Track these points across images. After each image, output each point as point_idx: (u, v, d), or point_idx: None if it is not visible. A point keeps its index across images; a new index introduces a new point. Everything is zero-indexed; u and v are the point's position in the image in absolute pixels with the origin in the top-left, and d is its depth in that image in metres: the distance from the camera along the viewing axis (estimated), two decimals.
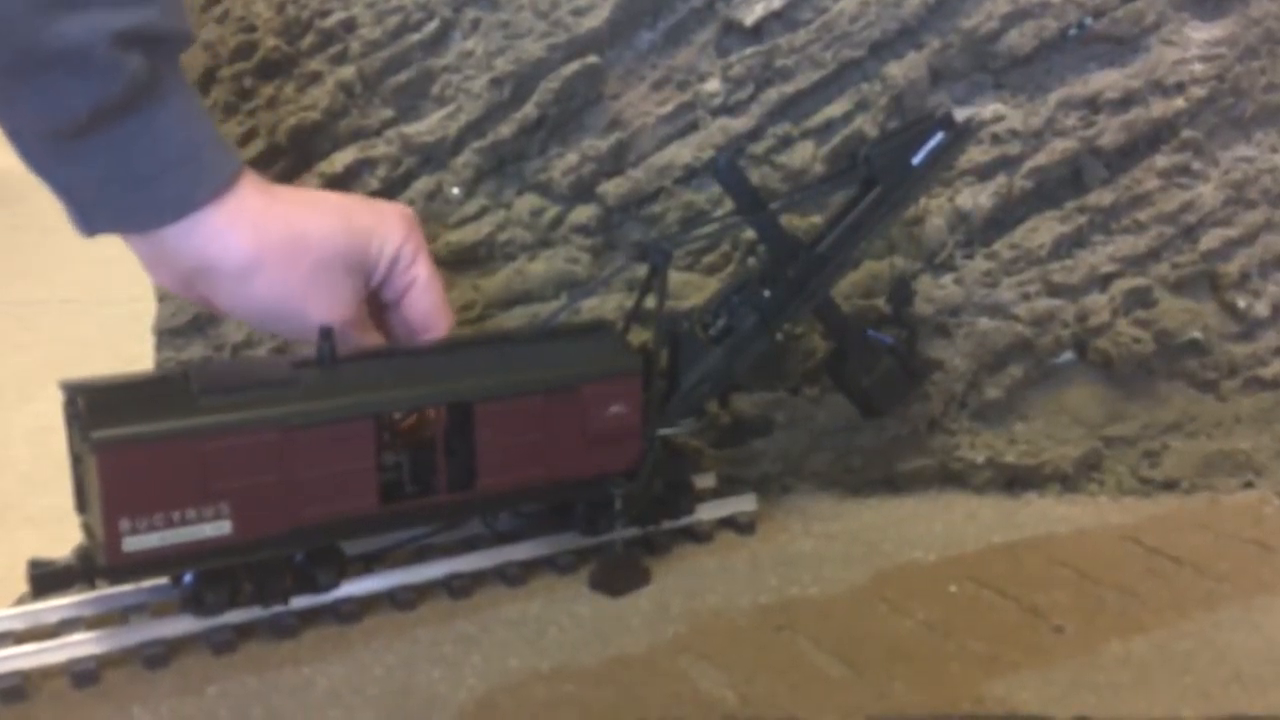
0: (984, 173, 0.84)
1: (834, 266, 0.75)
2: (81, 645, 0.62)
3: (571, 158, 0.81)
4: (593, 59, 0.79)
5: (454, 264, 0.82)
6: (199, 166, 0.65)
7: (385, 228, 0.71)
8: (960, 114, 0.78)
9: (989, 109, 0.83)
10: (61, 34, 0.58)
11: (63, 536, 0.66)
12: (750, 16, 0.80)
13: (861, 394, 0.79)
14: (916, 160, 0.74)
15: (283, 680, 0.62)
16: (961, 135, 0.75)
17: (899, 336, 0.79)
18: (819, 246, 0.74)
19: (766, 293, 0.74)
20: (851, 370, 0.78)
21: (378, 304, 0.73)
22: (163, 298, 0.85)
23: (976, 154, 0.83)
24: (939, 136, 0.74)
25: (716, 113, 0.81)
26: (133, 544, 0.59)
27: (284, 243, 0.67)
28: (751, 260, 0.82)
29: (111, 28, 0.59)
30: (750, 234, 0.81)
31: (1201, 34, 0.84)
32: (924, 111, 0.81)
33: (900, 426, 0.84)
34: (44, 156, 0.63)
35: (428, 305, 0.73)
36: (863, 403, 0.79)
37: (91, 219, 0.65)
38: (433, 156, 0.82)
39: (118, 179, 0.63)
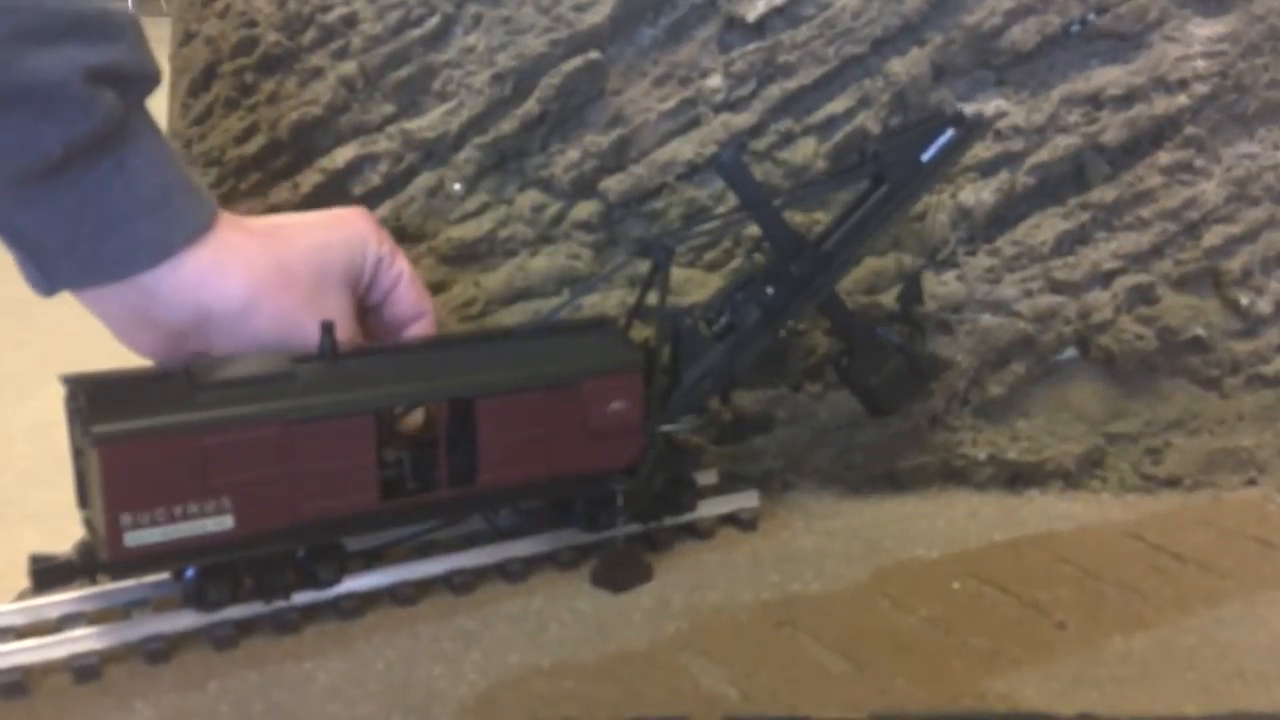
0: (986, 169, 0.83)
1: (839, 264, 0.74)
2: (83, 640, 0.62)
3: (573, 154, 0.81)
4: (594, 55, 0.79)
5: (455, 260, 0.82)
6: (173, 209, 0.63)
7: (360, 233, 0.70)
8: (970, 110, 0.78)
9: (991, 105, 0.83)
10: (33, 69, 0.56)
11: (64, 532, 0.66)
12: (752, 12, 0.80)
13: (869, 393, 0.78)
14: (926, 157, 0.73)
15: (284, 675, 0.62)
16: (972, 132, 0.75)
17: (905, 334, 0.79)
18: (825, 244, 0.74)
19: (770, 290, 0.73)
20: (859, 369, 0.78)
21: (361, 308, 0.73)
22: None
23: (979, 150, 0.83)
24: (949, 133, 0.74)
25: (718, 109, 0.81)
26: (134, 539, 0.59)
27: (275, 274, 0.66)
28: (757, 256, 0.82)
29: (84, 63, 0.58)
30: (753, 230, 0.81)
31: (1204, 30, 0.84)
32: (933, 109, 0.81)
33: (902, 423, 0.84)
34: (6, 204, 0.60)
35: (415, 295, 0.73)
36: (870, 401, 0.79)
37: (54, 273, 0.62)
38: (434, 152, 0.82)
39: (88, 223, 0.61)
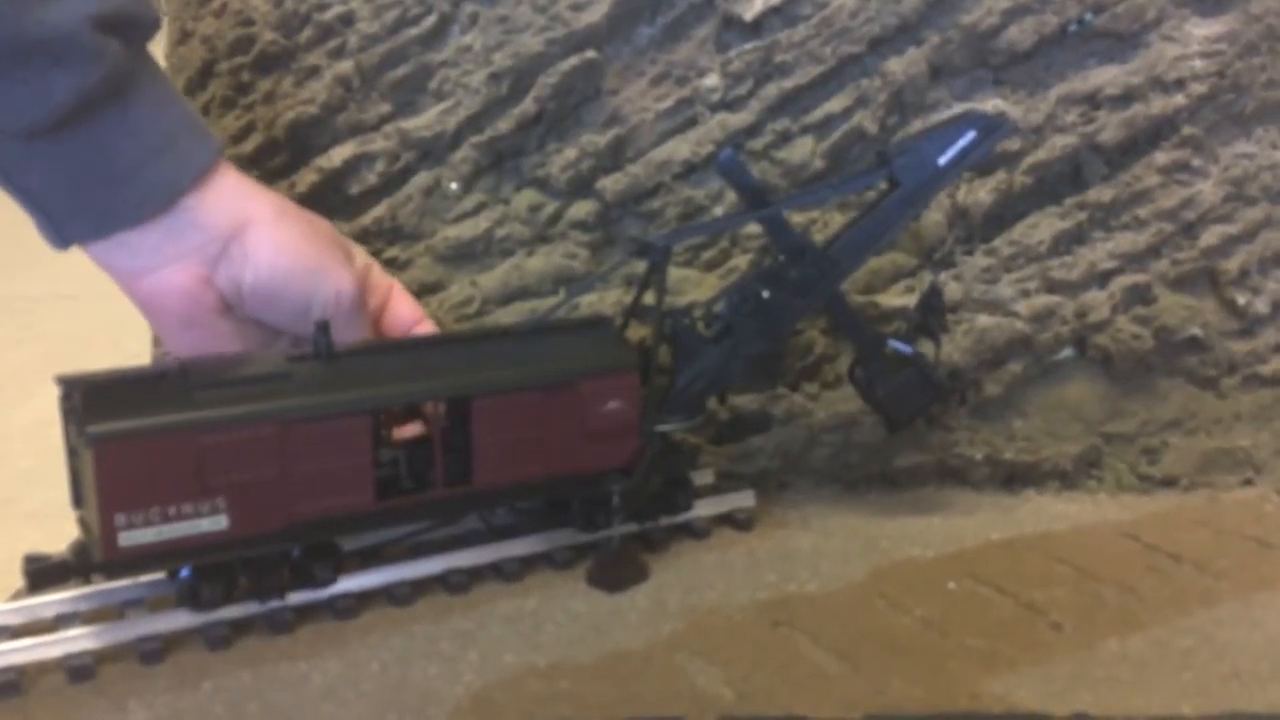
0: (984, 169, 0.83)
1: (841, 269, 0.74)
2: (77, 640, 0.62)
3: (570, 153, 0.81)
4: (591, 54, 0.79)
5: (452, 259, 0.82)
6: (180, 150, 0.64)
7: (348, 242, 0.74)
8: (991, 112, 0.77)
9: (989, 105, 0.83)
10: (42, 21, 0.57)
11: (63, 531, 0.66)
12: (750, 12, 0.80)
13: (876, 403, 0.78)
14: (943, 160, 0.72)
15: (279, 675, 0.62)
16: (994, 134, 0.73)
17: (920, 344, 0.77)
18: (830, 248, 0.73)
19: (765, 293, 0.73)
20: (867, 378, 0.77)
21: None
22: None
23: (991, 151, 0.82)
24: (969, 136, 0.72)
25: (715, 108, 0.81)
26: (129, 539, 0.59)
27: (297, 211, 0.69)
28: (767, 261, 0.82)
29: (90, 11, 0.58)
30: (751, 230, 0.81)
31: (1202, 30, 0.84)
32: (945, 109, 0.80)
33: None
34: (16, 159, 0.61)
35: (411, 302, 0.75)
36: (879, 412, 0.79)
37: (69, 225, 0.63)
38: (431, 152, 0.82)
39: (98, 174, 0.62)
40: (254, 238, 0.66)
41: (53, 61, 0.58)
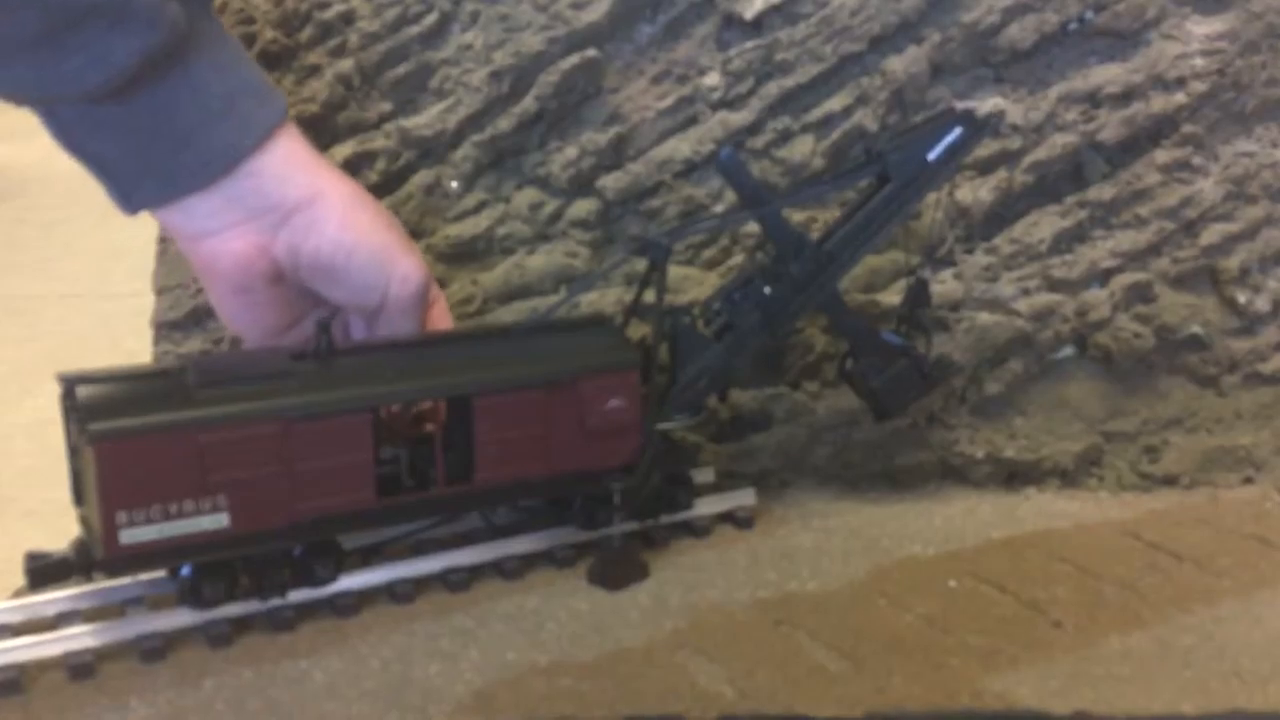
0: (984, 167, 0.83)
1: (840, 264, 0.74)
2: (78, 638, 0.62)
3: (570, 151, 0.81)
4: (592, 53, 0.79)
5: (453, 258, 0.82)
6: (241, 113, 0.64)
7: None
8: (983, 110, 0.77)
9: (989, 103, 0.83)
10: None
11: (62, 530, 0.66)
12: (750, 10, 0.80)
13: (870, 395, 0.78)
14: (932, 156, 0.73)
15: (280, 673, 0.62)
16: (980, 131, 0.74)
17: (910, 337, 0.78)
18: (826, 243, 0.74)
19: (767, 289, 0.73)
20: (861, 371, 0.77)
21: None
22: (162, 291, 0.85)
23: (977, 148, 0.82)
24: (956, 132, 0.73)
25: (716, 107, 0.81)
26: (130, 536, 0.59)
27: (365, 194, 0.68)
28: (760, 256, 0.82)
29: None
30: (751, 228, 0.81)
31: (1202, 28, 0.84)
32: (941, 107, 0.80)
33: (900, 421, 0.83)
34: (80, 128, 0.61)
35: (449, 320, 0.75)
36: (872, 404, 0.79)
37: (136, 191, 0.63)
38: (431, 150, 0.82)
39: (163, 137, 0.62)
40: (323, 211, 0.66)
41: (110, 25, 0.57)
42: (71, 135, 0.62)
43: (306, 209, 0.66)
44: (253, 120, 0.64)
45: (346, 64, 0.80)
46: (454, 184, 0.82)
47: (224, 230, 0.66)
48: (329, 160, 0.70)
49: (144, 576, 0.66)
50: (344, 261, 0.67)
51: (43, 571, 0.63)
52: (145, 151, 0.62)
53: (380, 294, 0.68)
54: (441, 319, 0.74)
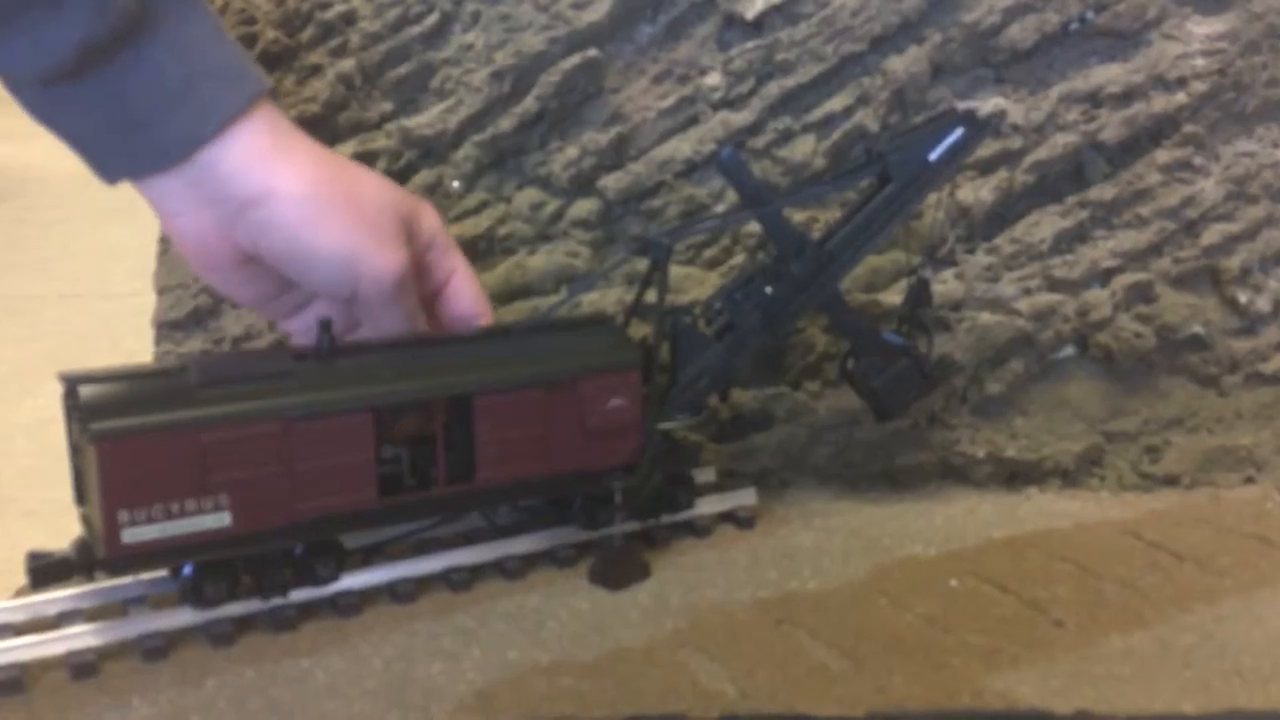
0: (985, 167, 0.83)
1: (840, 264, 0.74)
2: (80, 637, 0.62)
3: (572, 151, 0.81)
4: (593, 52, 0.79)
5: None
6: (201, 98, 0.62)
7: (425, 206, 0.70)
8: (982, 110, 0.77)
9: (990, 103, 0.83)
10: None
11: (63, 529, 0.66)
12: (751, 10, 0.80)
13: (871, 395, 0.78)
14: (933, 156, 0.73)
15: (281, 673, 0.62)
16: (981, 131, 0.74)
17: (911, 337, 0.78)
18: (827, 243, 0.74)
19: (768, 289, 0.73)
20: (862, 371, 0.77)
21: (424, 301, 0.71)
22: (162, 291, 0.85)
23: (977, 148, 0.82)
24: (958, 133, 0.73)
25: (717, 106, 0.81)
26: (131, 536, 0.59)
27: (338, 178, 0.65)
28: (761, 256, 0.82)
29: None
30: (752, 228, 0.81)
31: (1203, 28, 0.84)
32: (943, 108, 0.80)
33: (901, 421, 0.83)
34: (44, 105, 0.60)
35: (474, 292, 0.72)
36: (873, 404, 0.79)
37: (106, 167, 0.63)
38: (433, 150, 0.82)
39: (117, 118, 0.61)
40: (273, 212, 0.63)
41: (51, 10, 0.57)
42: (37, 111, 0.61)
43: (258, 207, 0.63)
44: (213, 107, 0.62)
45: (348, 64, 0.80)
46: (455, 184, 0.82)
47: (186, 213, 0.65)
48: (312, 146, 0.66)
49: (146, 576, 0.66)
50: (303, 262, 0.65)
51: (44, 571, 0.63)
52: (106, 131, 0.61)
53: (349, 290, 0.66)
54: (461, 292, 0.72)
